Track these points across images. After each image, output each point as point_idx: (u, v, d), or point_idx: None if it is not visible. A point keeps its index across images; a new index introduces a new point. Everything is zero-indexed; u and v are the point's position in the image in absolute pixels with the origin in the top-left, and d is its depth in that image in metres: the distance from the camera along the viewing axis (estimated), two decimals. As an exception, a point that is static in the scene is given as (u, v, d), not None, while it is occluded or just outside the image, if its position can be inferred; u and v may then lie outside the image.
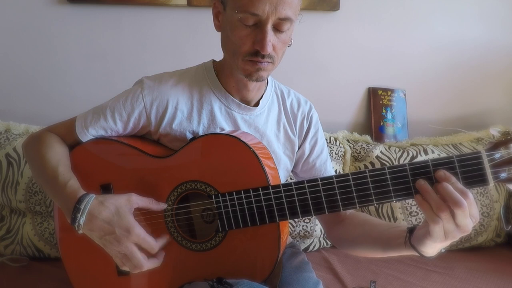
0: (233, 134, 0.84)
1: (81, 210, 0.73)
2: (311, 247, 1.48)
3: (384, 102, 1.73)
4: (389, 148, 1.56)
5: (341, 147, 1.55)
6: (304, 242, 1.47)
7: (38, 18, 1.55)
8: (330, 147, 1.52)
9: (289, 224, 1.42)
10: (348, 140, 1.59)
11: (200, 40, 1.60)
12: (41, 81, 1.60)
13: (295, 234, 1.44)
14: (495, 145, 0.68)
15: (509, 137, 0.68)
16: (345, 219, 0.96)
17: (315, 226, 1.44)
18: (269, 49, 0.77)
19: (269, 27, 0.76)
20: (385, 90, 1.74)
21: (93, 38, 1.58)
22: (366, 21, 1.68)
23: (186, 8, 1.58)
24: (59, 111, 1.60)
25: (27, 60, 1.58)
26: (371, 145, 1.57)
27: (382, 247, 0.81)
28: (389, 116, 1.73)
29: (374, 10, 1.68)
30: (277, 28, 0.78)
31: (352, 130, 1.69)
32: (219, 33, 0.88)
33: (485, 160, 0.67)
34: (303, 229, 1.43)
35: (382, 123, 1.73)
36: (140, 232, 0.74)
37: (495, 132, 0.69)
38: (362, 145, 1.57)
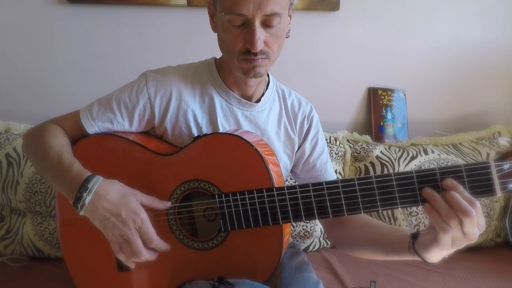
0: (235, 133, 0.84)
1: (89, 189, 0.72)
2: (311, 247, 1.48)
3: (384, 102, 1.73)
4: (389, 148, 1.56)
5: (341, 147, 1.55)
6: (304, 242, 1.47)
7: (38, 18, 1.55)
8: (330, 147, 1.52)
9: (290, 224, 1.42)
10: (348, 140, 1.59)
11: (200, 40, 1.60)
12: (41, 81, 1.59)
13: (295, 234, 1.44)
14: (504, 156, 0.68)
15: None
16: (346, 220, 0.96)
17: (315, 226, 1.44)
18: (259, 46, 0.77)
19: (256, 25, 0.76)
20: (385, 90, 1.74)
21: (93, 38, 1.58)
22: (366, 21, 1.68)
23: (186, 8, 1.58)
24: (59, 111, 1.57)
25: (27, 60, 1.58)
26: (371, 145, 1.57)
27: (384, 251, 0.81)
28: (389, 116, 1.73)
29: (374, 10, 1.68)
30: (266, 24, 0.78)
31: (352, 130, 1.69)
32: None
33: (494, 170, 0.66)
34: (303, 229, 1.43)
35: (382, 123, 1.73)
36: (145, 217, 0.73)
37: (504, 142, 0.70)
38: (362, 145, 1.57)
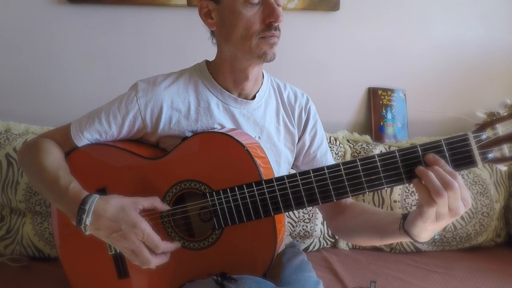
0: (222, 131, 0.85)
1: (86, 211, 0.73)
2: (311, 247, 1.48)
3: (384, 102, 1.73)
4: (389, 148, 1.55)
5: (341, 147, 1.55)
6: (304, 242, 1.47)
7: (38, 18, 1.55)
8: (330, 147, 1.51)
9: (289, 224, 1.42)
10: (348, 140, 1.59)
11: (200, 40, 1.59)
12: (41, 81, 1.59)
13: (295, 234, 1.44)
14: (482, 127, 0.69)
15: (494, 118, 0.69)
16: (345, 209, 0.97)
17: (315, 226, 1.44)
18: (281, 15, 0.82)
19: None
20: (385, 90, 1.74)
21: (93, 38, 1.58)
22: (366, 21, 1.68)
23: (186, 8, 1.58)
24: (59, 111, 1.60)
25: (27, 60, 1.58)
26: (371, 145, 1.57)
27: (379, 235, 0.83)
28: (389, 116, 1.73)
29: (374, 10, 1.68)
30: (276, 3, 0.83)
31: (352, 130, 1.69)
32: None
33: (472, 141, 0.68)
34: (303, 229, 1.43)
35: (382, 123, 1.73)
36: (146, 227, 0.74)
37: (481, 113, 0.71)
38: (362, 145, 1.57)
